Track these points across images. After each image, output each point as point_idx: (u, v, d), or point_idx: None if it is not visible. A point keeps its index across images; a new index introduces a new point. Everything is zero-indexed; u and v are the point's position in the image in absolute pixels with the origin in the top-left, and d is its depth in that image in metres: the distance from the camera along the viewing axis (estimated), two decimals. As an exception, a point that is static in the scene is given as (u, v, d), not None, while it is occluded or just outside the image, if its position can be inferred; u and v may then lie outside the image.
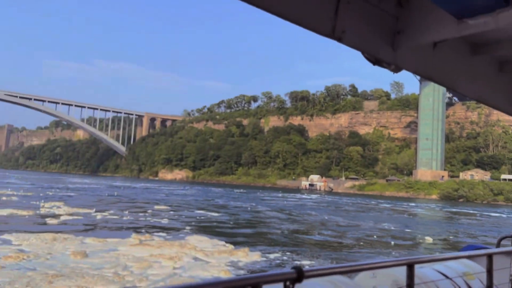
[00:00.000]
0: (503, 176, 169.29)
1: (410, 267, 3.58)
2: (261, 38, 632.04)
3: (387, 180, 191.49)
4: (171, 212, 54.82)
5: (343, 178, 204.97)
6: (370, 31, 4.08)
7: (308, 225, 49.70)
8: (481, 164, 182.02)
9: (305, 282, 2.44)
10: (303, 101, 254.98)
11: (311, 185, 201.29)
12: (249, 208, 68.54)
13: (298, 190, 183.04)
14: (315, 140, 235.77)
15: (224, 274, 22.21)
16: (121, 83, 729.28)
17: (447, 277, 5.20)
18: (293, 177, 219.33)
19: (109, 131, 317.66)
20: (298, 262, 26.79)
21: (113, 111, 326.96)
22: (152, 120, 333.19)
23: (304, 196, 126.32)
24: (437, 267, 5.36)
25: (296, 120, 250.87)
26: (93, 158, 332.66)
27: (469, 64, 4.06)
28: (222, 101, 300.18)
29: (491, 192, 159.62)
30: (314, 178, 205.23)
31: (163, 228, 39.18)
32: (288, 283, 2.26)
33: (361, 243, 37.15)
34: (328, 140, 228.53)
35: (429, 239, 41.24)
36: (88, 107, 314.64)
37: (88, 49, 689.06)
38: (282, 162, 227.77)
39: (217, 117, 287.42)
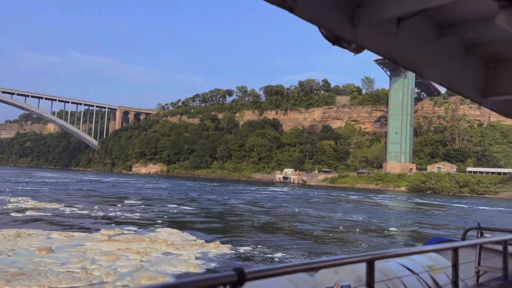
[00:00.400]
0: (468, 169, 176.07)
1: (370, 263, 3.43)
2: (236, 34, 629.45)
3: (358, 173, 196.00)
4: (143, 206, 54.66)
5: (316, 171, 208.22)
6: (326, 3, 3.65)
7: (279, 217, 50.62)
8: (447, 157, 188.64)
9: (263, 280, 2.32)
10: (277, 96, 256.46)
11: (285, 178, 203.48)
12: (221, 202, 69.01)
13: (272, 183, 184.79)
14: (289, 134, 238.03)
15: (193, 268, 22.45)
16: (94, 76, 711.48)
17: (413, 272, 5.06)
18: (268, 171, 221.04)
19: (80, 125, 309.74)
20: (269, 255, 27.32)
21: (85, 104, 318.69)
22: (126, 113, 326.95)
23: (277, 189, 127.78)
24: (403, 261, 5.23)
25: (270, 114, 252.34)
26: (64, 152, 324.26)
27: (434, 46, 3.78)
28: (197, 95, 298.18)
29: (457, 184, 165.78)
30: (288, 171, 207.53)
31: (133, 223, 39.18)
32: (228, 287, 2.07)
33: (330, 234, 38.26)
34: (302, 134, 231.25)
35: (394, 230, 42.89)
36: (59, 100, 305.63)
37: (60, 41, 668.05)
38: (257, 155, 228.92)
39: (192, 111, 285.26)
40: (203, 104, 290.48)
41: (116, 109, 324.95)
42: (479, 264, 6.39)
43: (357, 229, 41.64)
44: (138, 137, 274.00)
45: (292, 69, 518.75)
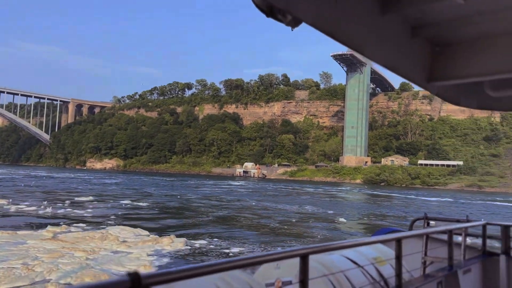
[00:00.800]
0: (420, 162, 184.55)
1: (304, 258, 3.14)
2: (195, 26, 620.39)
3: (316, 166, 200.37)
4: (95, 203, 52.71)
5: (276, 165, 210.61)
6: None
7: (236, 211, 50.54)
8: (400, 151, 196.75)
9: (191, 280, 2.14)
10: (237, 90, 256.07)
11: (245, 172, 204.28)
12: (178, 196, 68.01)
13: (232, 177, 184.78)
14: (249, 128, 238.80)
15: (144, 268, 21.88)
16: (45, 67, 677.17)
17: (358, 264, 4.91)
18: (228, 165, 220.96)
19: (31, 118, 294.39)
20: (226, 249, 27.16)
21: (35, 97, 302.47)
22: (79, 106, 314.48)
23: (236, 183, 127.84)
24: (348, 254, 5.07)
25: (230, 108, 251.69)
26: (13, 147, 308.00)
27: (378, 24, 3.34)
28: (155, 88, 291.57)
29: (409, 176, 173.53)
30: (248, 165, 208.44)
31: (83, 220, 37.61)
32: None
33: (285, 226, 38.65)
34: (262, 128, 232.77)
35: (345, 221, 44.08)
36: (8, 92, 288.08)
37: (8, 30, 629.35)
38: (217, 150, 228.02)
39: (150, 104, 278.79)
40: (161, 98, 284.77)
41: (69, 101, 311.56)
42: (425, 254, 6.35)
43: (310, 221, 42.34)
44: (92, 131, 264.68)
45: (252, 63, 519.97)
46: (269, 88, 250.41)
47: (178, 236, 31.03)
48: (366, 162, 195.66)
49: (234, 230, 35.63)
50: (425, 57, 3.38)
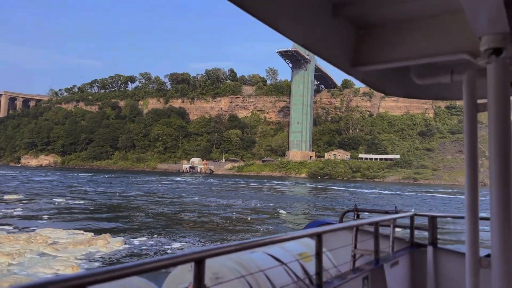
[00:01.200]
0: (360, 155, 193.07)
1: (199, 263, 2.69)
2: (138, 16, 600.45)
3: (263, 161, 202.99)
4: (25, 202, 49.38)
5: (223, 160, 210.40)
6: None
7: (178, 207, 49.76)
8: (342, 145, 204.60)
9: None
10: (183, 84, 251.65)
11: (192, 168, 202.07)
12: (117, 194, 65.66)
13: (179, 173, 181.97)
14: (196, 123, 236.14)
15: (71, 269, 20.74)
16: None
17: (281, 262, 4.55)
18: (174, 161, 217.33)
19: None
20: (168, 246, 26.54)
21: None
22: (12, 99, 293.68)
23: (181, 179, 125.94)
24: (272, 251, 4.71)
25: (176, 103, 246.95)
26: None
27: None
28: (95, 81, 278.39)
29: (351, 169, 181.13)
30: (195, 161, 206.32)
31: (10, 221, 35.06)
32: None
33: (228, 221, 38.64)
34: (209, 123, 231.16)
35: (283, 213, 45.01)
36: None
37: None
38: (162, 145, 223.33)
39: (90, 97, 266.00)
40: (102, 91, 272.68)
41: (1, 94, 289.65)
42: (355, 247, 6.22)
43: (251, 216, 42.64)
44: (27, 126, 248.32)
45: (199, 57, 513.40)
46: (216, 83, 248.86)
47: (114, 233, 29.98)
48: (310, 156, 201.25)
49: (175, 226, 35.10)
50: (348, 39, 3.14)
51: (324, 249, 4.67)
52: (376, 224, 5.70)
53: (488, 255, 2.46)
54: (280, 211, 45.82)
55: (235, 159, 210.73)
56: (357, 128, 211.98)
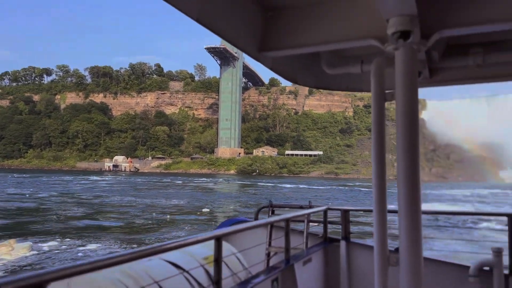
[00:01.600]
0: (287, 152, 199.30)
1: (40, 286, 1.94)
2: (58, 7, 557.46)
3: (191, 158, 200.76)
4: None
5: (150, 158, 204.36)
6: None
7: (95, 208, 47.32)
8: (270, 142, 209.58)
9: None
10: (105, 78, 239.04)
11: (115, 166, 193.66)
12: (27, 195, 60.60)
13: (100, 172, 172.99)
14: (120, 119, 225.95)
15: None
16: None
17: (182, 269, 4.15)
18: (96, 159, 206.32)
19: None
20: (82, 248, 25.39)
21: None
22: None
23: (100, 178, 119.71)
24: (173, 257, 4.25)
25: (98, 98, 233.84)
26: None
27: None
28: (6, 73, 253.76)
29: (278, 165, 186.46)
30: (119, 159, 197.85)
31: None
32: None
33: (150, 221, 37.56)
34: (134, 119, 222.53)
35: (207, 210, 44.94)
36: None
37: None
38: (82, 142, 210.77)
39: (0, 91, 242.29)
40: (14, 84, 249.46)
41: None
42: (270, 245, 6.02)
43: (171, 215, 41.85)
44: None
45: (122, 51, 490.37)
46: (141, 78, 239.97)
47: (21, 238, 27.74)
48: (239, 153, 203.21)
49: (90, 229, 33.34)
50: (255, 21, 2.88)
51: (234, 250, 4.51)
52: (287, 221, 5.29)
53: (397, 249, 2.42)
54: (203, 210, 45.55)
55: (163, 156, 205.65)
56: (283, 125, 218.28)
